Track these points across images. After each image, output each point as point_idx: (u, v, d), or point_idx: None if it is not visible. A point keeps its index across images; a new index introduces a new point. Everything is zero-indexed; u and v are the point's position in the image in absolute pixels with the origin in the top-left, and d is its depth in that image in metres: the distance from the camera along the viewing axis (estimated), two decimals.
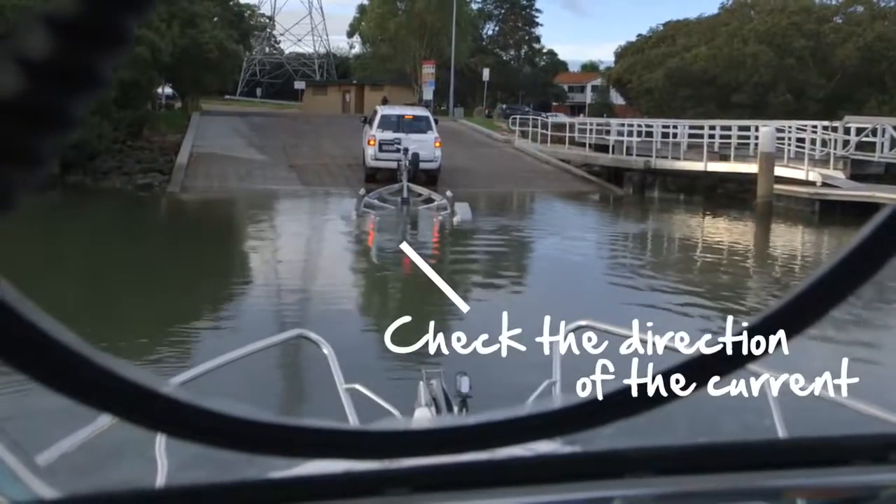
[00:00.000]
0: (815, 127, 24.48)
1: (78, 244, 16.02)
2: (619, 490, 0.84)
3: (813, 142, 23.56)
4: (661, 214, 23.96)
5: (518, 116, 40.27)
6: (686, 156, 27.01)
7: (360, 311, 11.35)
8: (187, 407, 0.39)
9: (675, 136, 28.35)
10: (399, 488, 0.77)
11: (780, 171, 22.43)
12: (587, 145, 32.31)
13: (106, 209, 22.31)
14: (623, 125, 31.30)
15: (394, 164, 22.54)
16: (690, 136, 27.93)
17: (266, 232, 18.81)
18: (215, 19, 39.77)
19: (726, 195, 25.27)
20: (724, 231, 20.84)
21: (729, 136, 26.38)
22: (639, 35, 59.68)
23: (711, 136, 26.55)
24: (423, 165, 23.22)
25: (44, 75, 0.28)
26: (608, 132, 31.68)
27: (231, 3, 51.63)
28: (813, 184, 22.02)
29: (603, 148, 31.12)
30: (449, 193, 19.98)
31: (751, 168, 23.49)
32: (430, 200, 20.56)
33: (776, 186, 22.09)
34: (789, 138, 23.97)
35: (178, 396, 0.39)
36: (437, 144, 25.10)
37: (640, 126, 30.38)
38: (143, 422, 0.39)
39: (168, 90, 46.96)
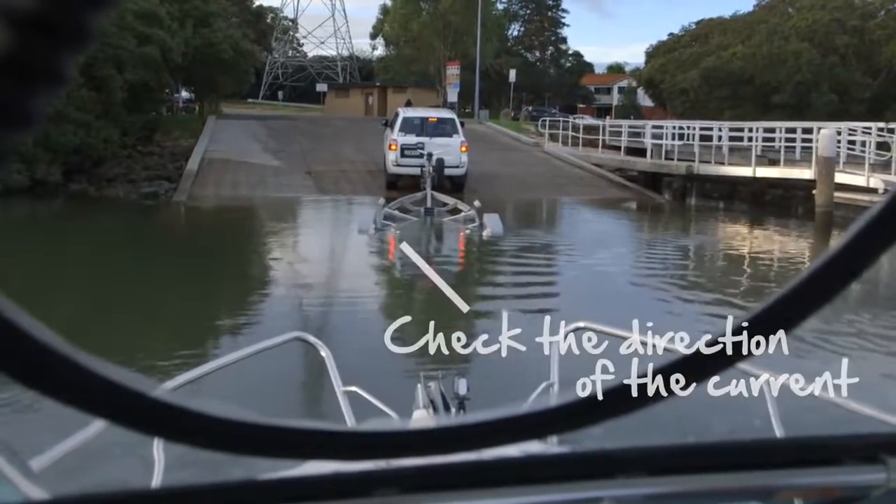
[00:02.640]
0: (868, 128, 22.61)
1: (71, 260, 14.92)
2: (609, 490, 0.82)
3: (868, 144, 21.66)
4: (709, 225, 22.07)
5: (547, 119, 38.56)
6: (730, 160, 25.17)
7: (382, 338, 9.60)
8: (178, 410, 0.39)
9: (716, 139, 26.50)
10: (387, 489, 0.75)
11: (836, 177, 20.65)
12: (621, 149, 30.51)
13: (105, 221, 20.65)
14: (661, 128, 29.46)
15: (417, 171, 20.80)
16: (730, 139, 26.08)
17: (268, 251, 16.65)
18: (233, 19, 38.52)
19: (774, 202, 23.39)
20: (795, 247, 18.85)
21: (773, 139, 24.53)
22: (670, 34, 57.95)
23: (754, 139, 24.66)
24: (448, 172, 21.50)
25: None
26: (643, 134, 29.87)
27: (254, 5, 50.47)
28: (874, 191, 20.12)
29: (638, 152, 29.30)
30: (477, 203, 18.37)
31: (804, 174, 21.72)
32: (456, 211, 18.88)
33: (835, 194, 20.29)
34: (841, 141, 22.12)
35: (170, 400, 0.39)
36: (464, 149, 23.32)
37: (680, 128, 28.56)
38: (134, 425, 0.39)
39: (187, 94, 45.86)
